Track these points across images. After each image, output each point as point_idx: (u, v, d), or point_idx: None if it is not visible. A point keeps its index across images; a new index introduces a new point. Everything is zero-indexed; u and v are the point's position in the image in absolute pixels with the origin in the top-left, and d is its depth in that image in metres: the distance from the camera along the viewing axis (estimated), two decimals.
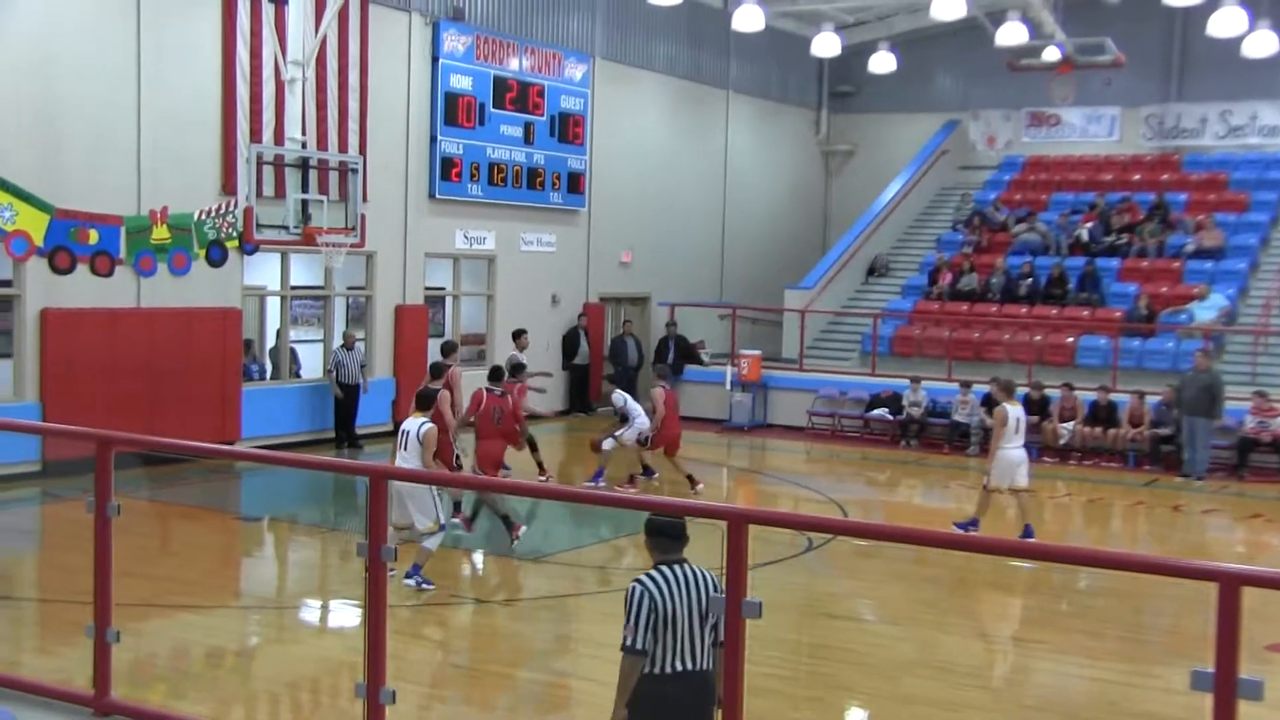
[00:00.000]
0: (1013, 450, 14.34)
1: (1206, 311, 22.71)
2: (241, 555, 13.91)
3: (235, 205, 18.00)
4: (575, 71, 23.92)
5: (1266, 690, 4.32)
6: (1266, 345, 22.30)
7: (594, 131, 24.48)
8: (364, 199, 19.29)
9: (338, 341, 19.96)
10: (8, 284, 16.02)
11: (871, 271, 27.82)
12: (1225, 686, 4.29)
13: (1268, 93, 27.26)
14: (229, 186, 17.97)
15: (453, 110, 21.43)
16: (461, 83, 21.58)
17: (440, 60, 21.19)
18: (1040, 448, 20.70)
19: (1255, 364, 21.70)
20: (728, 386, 23.78)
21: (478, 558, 13.69)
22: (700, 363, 24.92)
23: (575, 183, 24.03)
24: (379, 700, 5.97)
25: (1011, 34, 25.16)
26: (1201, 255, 24.53)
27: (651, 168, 26.28)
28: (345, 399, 19.25)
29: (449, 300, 22.84)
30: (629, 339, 24.68)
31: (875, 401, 22.56)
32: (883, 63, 28.27)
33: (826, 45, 26.62)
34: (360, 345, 19.51)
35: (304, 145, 18.67)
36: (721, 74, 28.16)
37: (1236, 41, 25.02)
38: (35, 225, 15.86)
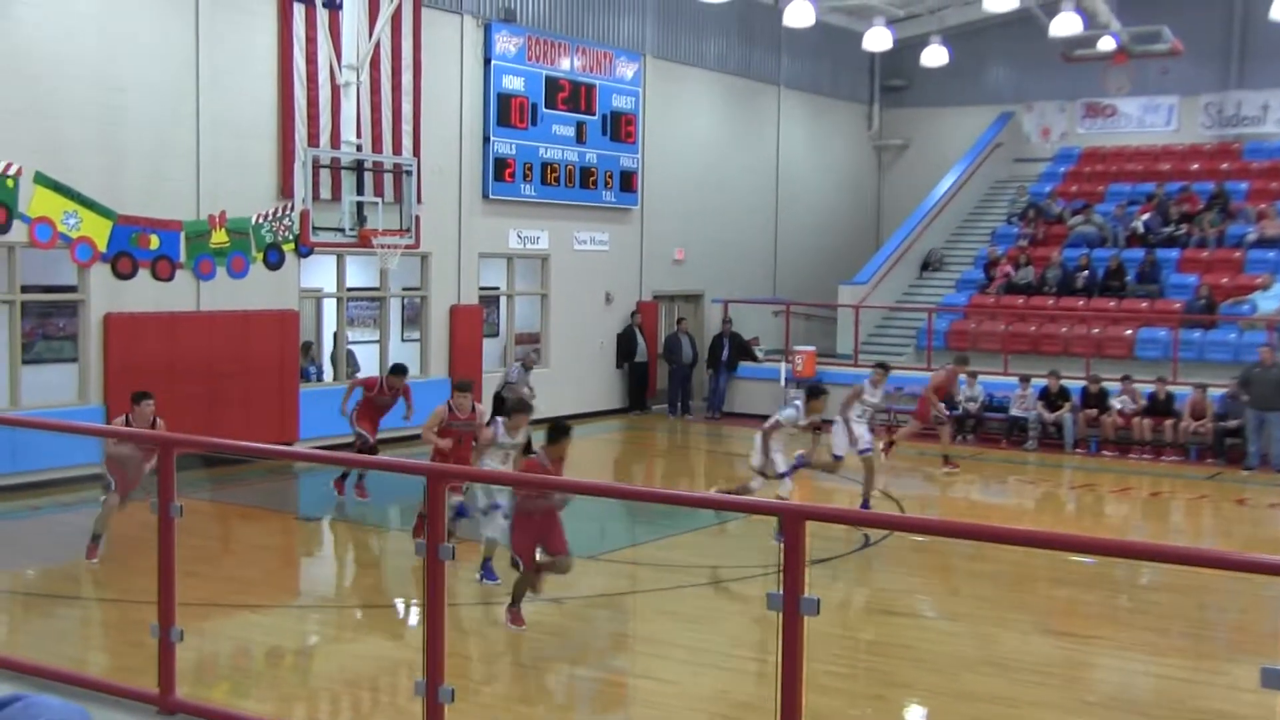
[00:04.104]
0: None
1: (1270, 302, 22.38)
2: (301, 555, 14.06)
3: (292, 208, 18.18)
4: (626, 70, 23.94)
5: None
6: None
7: (646, 130, 24.50)
8: (418, 200, 19.40)
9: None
10: (73, 289, 16.28)
11: (925, 266, 27.66)
12: None
13: None
14: (286, 190, 18.16)
15: (505, 111, 21.53)
16: (513, 83, 21.67)
17: (492, 61, 21.29)
18: (1100, 441, 20.55)
19: None
20: (782, 383, 23.71)
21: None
22: (755, 359, 24.90)
23: (628, 181, 24.06)
24: (438, 699, 6.01)
25: (1065, 24, 24.92)
26: (1264, 245, 24.17)
27: (703, 165, 26.26)
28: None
29: (503, 300, 22.94)
30: (683, 336, 24.69)
31: None
32: (935, 56, 28.10)
33: (878, 39, 26.51)
34: (534, 370, 19.62)
35: (359, 148, 18.81)
36: (773, 70, 28.09)
37: None
38: (99, 231, 16.10)
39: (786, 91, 28.57)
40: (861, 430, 15.53)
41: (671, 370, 24.68)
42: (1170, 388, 20.39)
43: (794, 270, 28.99)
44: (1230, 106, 28.16)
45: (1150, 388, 20.45)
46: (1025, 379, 21.20)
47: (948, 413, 19.38)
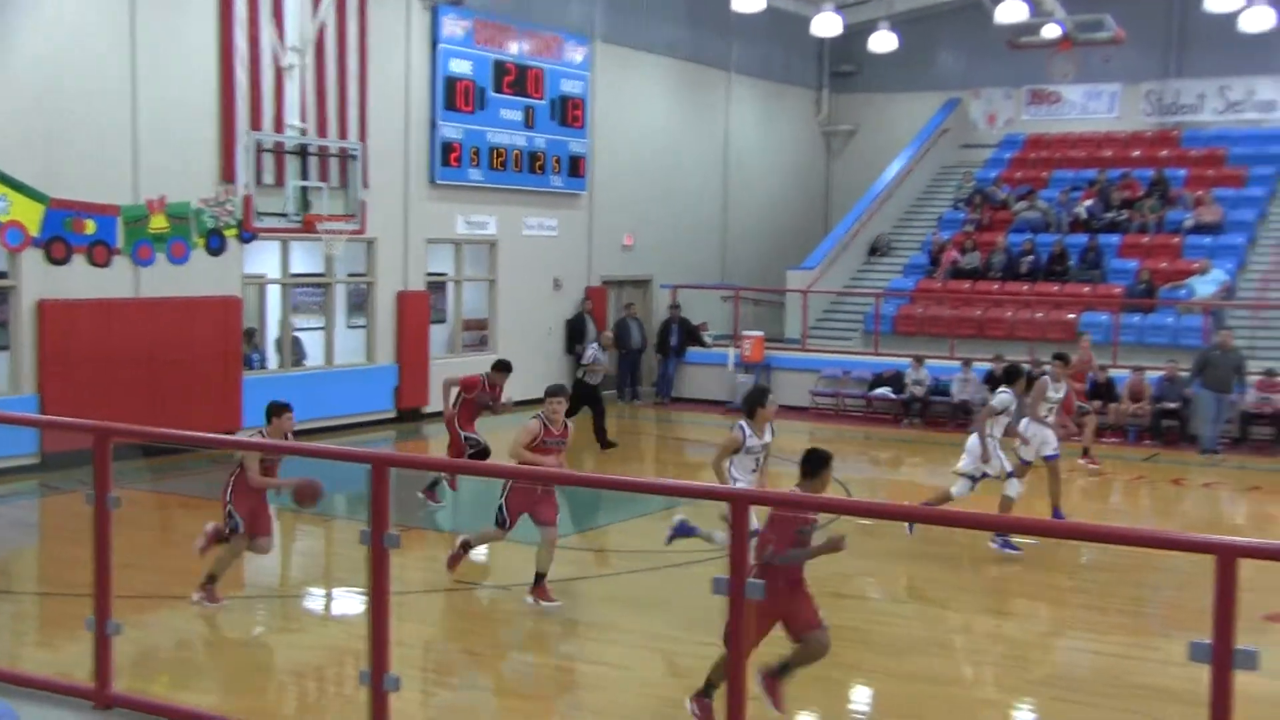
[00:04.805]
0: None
1: (1206, 286, 22.69)
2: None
3: (234, 193, 17.97)
4: (575, 54, 23.84)
5: (1263, 660, 4.35)
6: (1264, 319, 22.28)
7: (595, 115, 24.42)
8: (364, 185, 19.25)
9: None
10: (3, 275, 15.99)
11: (873, 251, 27.80)
12: (1222, 657, 4.31)
13: (1265, 68, 27.19)
14: (227, 174, 17.94)
15: (452, 95, 21.38)
16: (461, 67, 21.53)
17: (439, 45, 21.12)
18: None
19: (1253, 338, 21.65)
20: (731, 368, 23.78)
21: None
22: (703, 344, 24.94)
23: (576, 166, 23.97)
24: (383, 687, 5.97)
25: (1011, 11, 25.09)
26: (1201, 230, 24.51)
27: (653, 150, 26.22)
28: (592, 401, 18.84)
29: (451, 286, 22.82)
30: (632, 321, 24.69)
31: (878, 381, 22.57)
32: (883, 42, 28.21)
33: (827, 25, 26.59)
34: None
35: (303, 132, 18.62)
36: (722, 55, 28.07)
37: (1234, 17, 25.00)
38: (30, 216, 15.83)
39: (736, 77, 28.57)
40: (1048, 434, 13.84)
41: (620, 356, 24.65)
42: (1111, 371, 20.63)
43: (743, 255, 29.03)
44: (1169, 94, 28.48)
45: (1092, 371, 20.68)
46: (966, 362, 21.39)
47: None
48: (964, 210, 27.27)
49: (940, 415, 21.80)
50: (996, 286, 24.49)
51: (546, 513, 10.41)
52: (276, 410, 10.64)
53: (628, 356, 24.54)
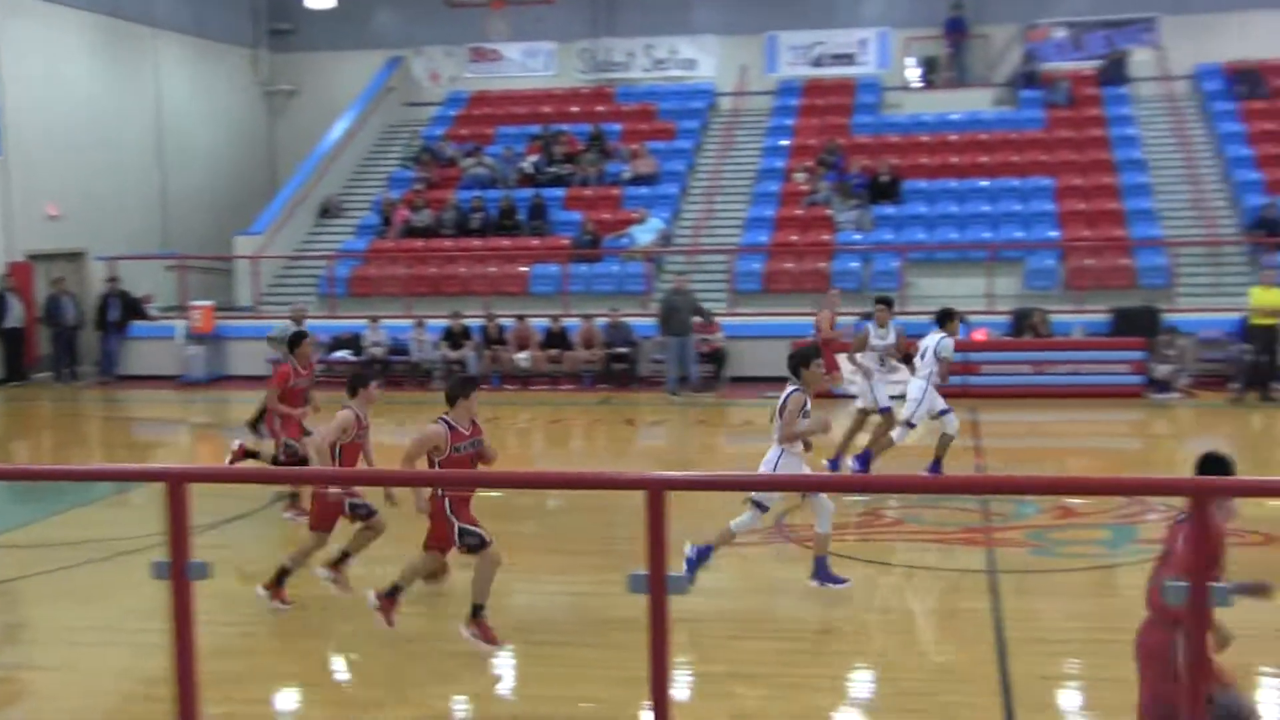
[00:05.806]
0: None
1: (646, 234, 24.07)
2: None
3: None
4: None
5: (698, 582, 4.54)
6: (699, 263, 23.96)
7: (3, 73, 22.22)
8: None
9: None
10: None
11: (324, 213, 27.31)
12: (657, 585, 4.44)
13: (684, 28, 29.20)
14: None
15: None
16: None
17: None
18: (501, 376, 21.31)
19: (689, 282, 23.22)
20: (180, 340, 22.60)
21: None
22: (147, 317, 23.54)
23: None
24: None
25: None
26: (638, 182, 25.94)
27: (76, 112, 24.28)
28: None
29: None
30: (64, 297, 22.86)
31: (337, 343, 22.23)
32: None
33: None
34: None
35: None
36: (147, 10, 26.43)
37: None
38: None
39: (164, 34, 27.00)
40: (878, 383, 13.59)
41: (55, 334, 22.80)
42: (565, 321, 21.46)
43: (186, 222, 27.60)
44: (601, 53, 29.90)
45: (545, 322, 21.41)
46: (419, 321, 21.54)
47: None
48: (413, 169, 27.32)
49: (400, 375, 21.81)
50: (450, 243, 24.76)
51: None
52: (363, 379, 9.54)
53: (62, 335, 22.73)
